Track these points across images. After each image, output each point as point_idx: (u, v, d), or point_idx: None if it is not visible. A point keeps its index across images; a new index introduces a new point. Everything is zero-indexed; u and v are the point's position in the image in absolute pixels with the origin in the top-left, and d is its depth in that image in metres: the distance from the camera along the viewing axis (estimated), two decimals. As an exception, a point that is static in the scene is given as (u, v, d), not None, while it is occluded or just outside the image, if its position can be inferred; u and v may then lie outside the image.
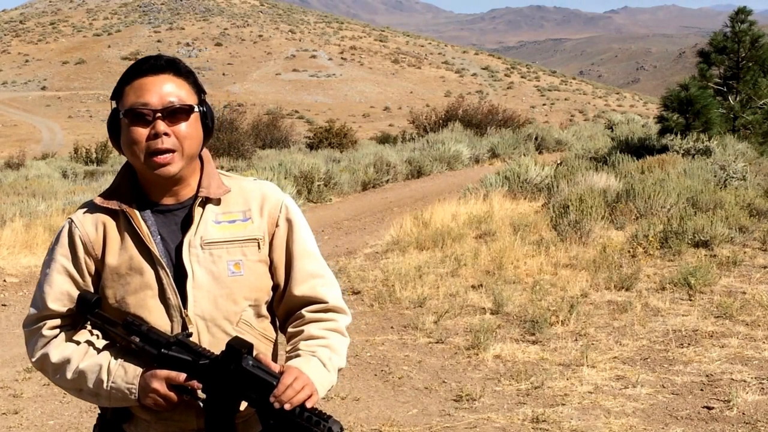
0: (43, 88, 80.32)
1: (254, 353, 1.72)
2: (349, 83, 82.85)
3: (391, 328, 6.45)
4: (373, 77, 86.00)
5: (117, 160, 24.21)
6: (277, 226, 1.93)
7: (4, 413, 4.97)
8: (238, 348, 1.69)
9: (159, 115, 1.79)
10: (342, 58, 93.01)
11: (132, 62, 1.90)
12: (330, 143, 25.18)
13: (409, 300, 7.03)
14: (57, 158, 28.82)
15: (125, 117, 1.81)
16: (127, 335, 1.78)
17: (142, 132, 1.79)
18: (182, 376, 1.74)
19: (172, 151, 1.80)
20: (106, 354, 1.82)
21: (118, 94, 1.85)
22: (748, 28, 16.31)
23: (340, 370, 1.89)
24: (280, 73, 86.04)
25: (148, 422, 1.88)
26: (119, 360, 1.81)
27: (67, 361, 1.81)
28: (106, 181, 17.81)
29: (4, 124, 60.95)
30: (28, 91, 79.47)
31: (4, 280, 8.71)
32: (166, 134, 1.79)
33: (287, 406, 1.66)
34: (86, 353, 1.82)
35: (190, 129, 1.83)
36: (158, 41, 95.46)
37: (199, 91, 1.89)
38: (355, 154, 20.20)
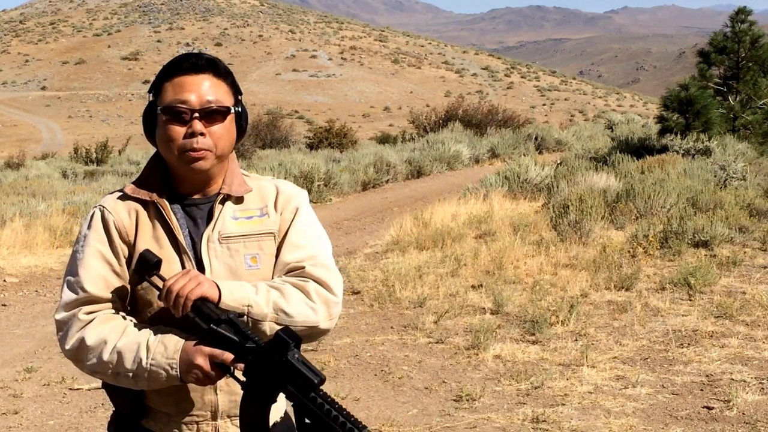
0: (43, 88, 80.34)
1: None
2: (349, 83, 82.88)
3: (391, 328, 6.45)
4: (373, 77, 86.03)
5: (117, 161, 24.20)
6: (284, 217, 1.96)
7: (4, 413, 4.97)
8: (287, 339, 1.68)
9: (196, 115, 1.83)
10: (342, 58, 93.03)
11: (170, 60, 1.92)
12: (330, 143, 25.18)
13: (409, 300, 7.02)
14: (57, 158, 28.79)
15: (163, 113, 1.85)
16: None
17: (179, 130, 1.83)
18: (227, 355, 1.72)
19: (207, 149, 1.85)
20: (144, 332, 1.81)
21: (156, 88, 1.88)
22: (748, 28, 16.31)
23: (275, 306, 1.80)
24: (280, 73, 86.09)
25: (169, 416, 1.89)
26: (158, 336, 1.80)
27: (104, 342, 1.80)
28: (106, 181, 17.79)
29: (4, 124, 60.97)
30: (28, 91, 79.48)
31: (4, 280, 8.71)
32: (201, 134, 1.84)
33: (173, 296, 1.72)
34: (124, 332, 1.81)
35: (225, 130, 1.87)
36: (158, 41, 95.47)
37: (236, 92, 1.93)
38: (355, 154, 20.20)
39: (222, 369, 1.74)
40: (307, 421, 1.66)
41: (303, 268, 1.90)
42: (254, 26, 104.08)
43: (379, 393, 5.13)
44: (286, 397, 1.70)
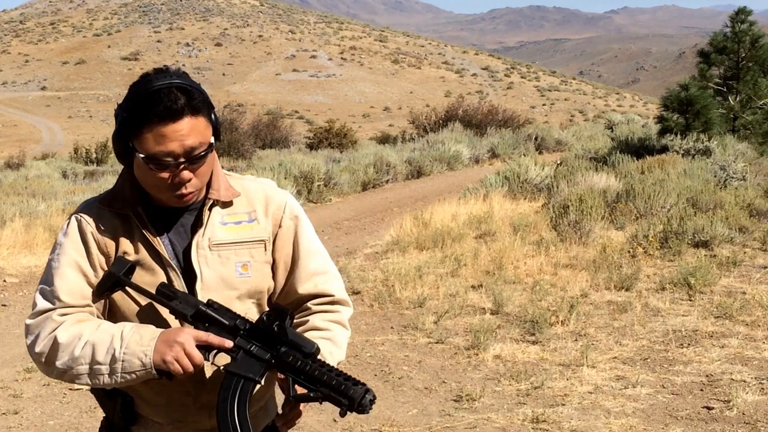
0: (43, 89, 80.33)
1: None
2: (349, 83, 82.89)
3: (391, 328, 6.45)
4: (373, 77, 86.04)
5: (116, 161, 24.18)
6: (280, 226, 1.94)
7: (4, 413, 4.97)
8: (285, 309, 1.75)
9: (182, 164, 1.76)
10: (342, 58, 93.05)
11: (140, 92, 1.74)
12: (330, 143, 25.19)
13: (409, 300, 7.03)
14: (57, 158, 28.81)
15: (146, 162, 1.75)
16: (164, 300, 1.78)
17: (164, 177, 1.77)
18: (212, 336, 1.73)
19: (195, 190, 1.82)
20: (120, 324, 1.78)
21: (132, 125, 1.75)
22: (748, 29, 16.29)
23: (339, 363, 1.89)
24: (280, 73, 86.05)
25: (161, 425, 1.88)
26: (134, 327, 1.76)
27: (78, 337, 1.74)
28: (106, 181, 17.79)
29: (4, 124, 60.96)
30: (28, 91, 79.49)
31: (4, 280, 8.71)
32: (189, 179, 1.79)
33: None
34: (99, 328, 1.77)
35: (208, 164, 1.82)
36: (158, 41, 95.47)
37: (210, 109, 1.82)
38: (355, 154, 20.20)
39: (205, 351, 1.74)
40: (299, 392, 1.71)
41: (332, 296, 1.99)
42: (254, 26, 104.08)
43: (379, 393, 5.13)
44: (278, 368, 1.72)
